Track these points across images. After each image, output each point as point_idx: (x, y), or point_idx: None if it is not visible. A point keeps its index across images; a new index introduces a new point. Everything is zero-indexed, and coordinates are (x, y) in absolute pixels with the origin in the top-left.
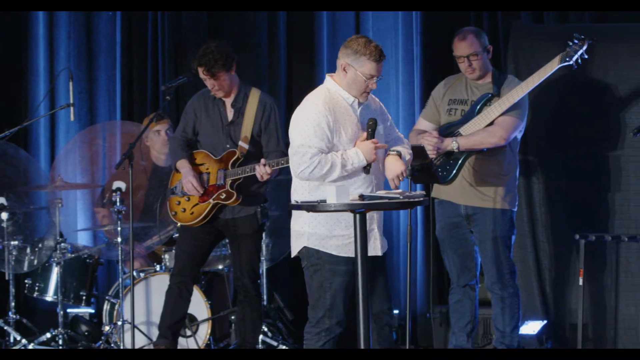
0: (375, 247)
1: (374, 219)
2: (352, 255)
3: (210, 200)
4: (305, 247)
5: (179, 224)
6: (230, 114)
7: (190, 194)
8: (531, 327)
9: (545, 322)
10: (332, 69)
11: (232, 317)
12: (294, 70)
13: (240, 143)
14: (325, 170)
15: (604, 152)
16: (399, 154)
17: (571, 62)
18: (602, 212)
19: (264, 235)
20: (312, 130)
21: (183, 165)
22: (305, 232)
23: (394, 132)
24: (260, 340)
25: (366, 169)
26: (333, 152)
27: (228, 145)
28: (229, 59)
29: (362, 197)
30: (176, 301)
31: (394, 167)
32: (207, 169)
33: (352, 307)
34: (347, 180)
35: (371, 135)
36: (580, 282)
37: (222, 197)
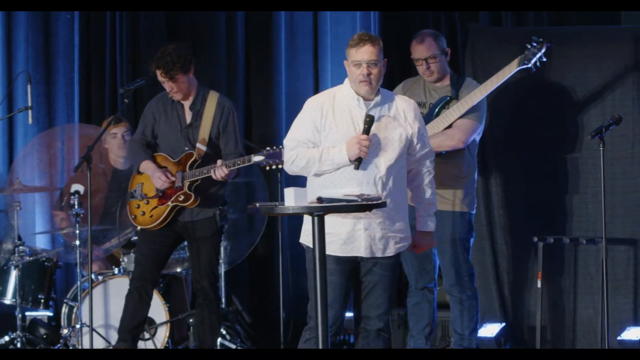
0: (358, 248)
1: (360, 220)
2: (338, 254)
3: (169, 203)
4: (301, 242)
5: (138, 228)
6: (188, 116)
7: (162, 188)
8: (490, 330)
9: (503, 324)
10: (291, 71)
11: (191, 320)
12: (252, 72)
13: (198, 145)
14: (302, 164)
15: (562, 155)
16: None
17: (529, 65)
18: (560, 214)
19: (222, 237)
20: (299, 124)
21: (148, 165)
22: (303, 228)
23: (418, 149)
24: (218, 343)
25: (355, 164)
26: (316, 147)
27: (186, 148)
28: (187, 61)
29: (320, 199)
30: (136, 305)
31: (424, 242)
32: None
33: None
34: (336, 178)
35: (365, 131)
36: (539, 285)
37: (181, 199)
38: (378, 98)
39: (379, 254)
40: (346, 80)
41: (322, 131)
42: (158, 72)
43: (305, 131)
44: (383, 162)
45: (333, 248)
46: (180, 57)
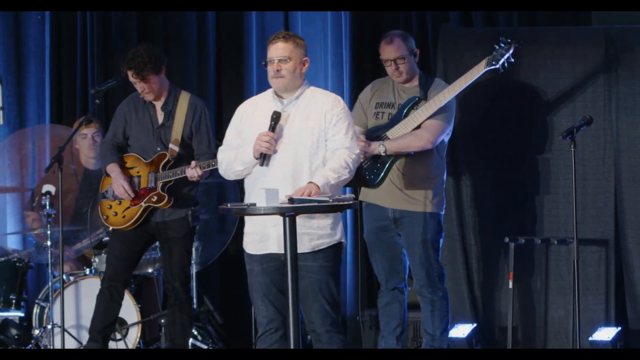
0: (270, 245)
1: (269, 218)
2: (255, 252)
3: (142, 204)
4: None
5: (110, 228)
6: (160, 117)
7: (121, 197)
8: (461, 330)
9: (474, 325)
10: (262, 71)
11: (162, 321)
12: (223, 72)
13: (171, 146)
14: (224, 166)
15: (533, 155)
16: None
17: (497, 66)
18: (531, 215)
19: (194, 238)
20: (228, 128)
21: (113, 169)
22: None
23: (334, 141)
24: (190, 344)
25: (259, 160)
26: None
27: (159, 149)
28: (159, 61)
29: (291, 200)
30: (107, 305)
31: (306, 188)
32: (138, 172)
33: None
34: (257, 176)
35: (271, 128)
36: (510, 285)
37: (154, 199)
38: (297, 94)
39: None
40: None
41: (242, 132)
42: (129, 73)
43: (229, 135)
44: (293, 157)
45: (251, 246)
46: (151, 57)
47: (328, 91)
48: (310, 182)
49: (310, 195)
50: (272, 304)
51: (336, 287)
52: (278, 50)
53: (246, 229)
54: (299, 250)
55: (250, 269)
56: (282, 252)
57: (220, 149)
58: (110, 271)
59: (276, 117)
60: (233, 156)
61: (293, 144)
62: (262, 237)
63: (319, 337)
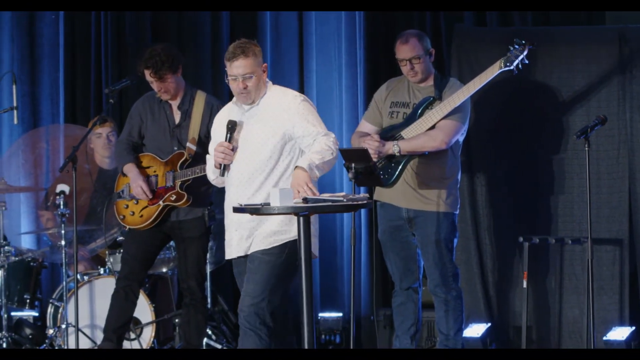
0: (232, 249)
1: (233, 221)
2: (227, 257)
3: (160, 203)
4: None
5: (127, 228)
6: (176, 116)
7: (139, 197)
8: (475, 330)
9: (489, 324)
10: (275, 71)
11: (176, 320)
12: None
13: (188, 145)
14: (208, 174)
15: (548, 155)
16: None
17: (512, 67)
18: (545, 214)
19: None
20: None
21: (130, 169)
22: None
23: (306, 137)
24: (204, 343)
25: (220, 171)
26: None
27: (175, 148)
28: (176, 61)
29: (305, 199)
30: (122, 304)
31: (296, 178)
32: (155, 171)
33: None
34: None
35: (227, 138)
36: (524, 285)
37: (172, 198)
38: (258, 100)
39: (244, 252)
40: None
41: (214, 140)
42: (147, 72)
43: (211, 143)
44: (250, 163)
45: (226, 252)
46: (169, 57)
47: (286, 89)
48: (296, 167)
49: (300, 184)
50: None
51: (272, 283)
52: (240, 68)
53: (224, 236)
54: (252, 250)
55: (235, 271)
56: (243, 254)
57: (207, 157)
58: (125, 270)
59: (231, 127)
60: (209, 164)
61: (250, 151)
62: (228, 242)
63: (239, 328)
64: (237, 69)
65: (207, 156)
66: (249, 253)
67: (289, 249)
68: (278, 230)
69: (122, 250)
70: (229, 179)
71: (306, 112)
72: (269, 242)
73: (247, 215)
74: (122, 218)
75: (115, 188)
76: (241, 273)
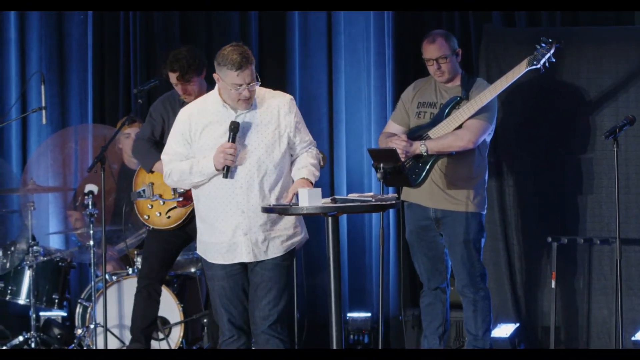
0: (240, 255)
1: (240, 225)
2: (222, 262)
3: (191, 204)
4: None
5: (151, 228)
6: None
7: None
8: (503, 330)
9: (517, 325)
10: (304, 71)
11: (205, 320)
12: (265, 73)
13: None
14: (176, 177)
15: (576, 155)
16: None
17: (538, 66)
18: (574, 214)
19: None
20: (171, 137)
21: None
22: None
23: (302, 143)
24: None
25: (223, 172)
26: (189, 159)
27: None
28: (201, 63)
29: (334, 200)
30: (146, 305)
31: (298, 184)
32: None
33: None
34: (217, 187)
35: (231, 139)
36: (553, 285)
37: None
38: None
39: (262, 257)
40: (217, 86)
41: (192, 143)
42: (172, 75)
43: (176, 145)
44: (256, 165)
45: (217, 257)
46: (194, 59)
47: (276, 91)
48: (303, 179)
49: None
50: (235, 308)
51: (287, 287)
52: (247, 77)
53: (205, 238)
54: (270, 256)
55: (212, 274)
56: (256, 260)
57: (165, 159)
58: (146, 269)
59: (235, 128)
60: (187, 168)
61: (255, 153)
62: (229, 246)
63: (256, 337)
64: (245, 78)
65: (188, 160)
66: (265, 259)
67: (295, 250)
68: (292, 234)
69: (143, 249)
70: (230, 182)
71: (301, 118)
72: (286, 247)
73: (259, 219)
74: (147, 218)
75: (134, 187)
76: (230, 274)
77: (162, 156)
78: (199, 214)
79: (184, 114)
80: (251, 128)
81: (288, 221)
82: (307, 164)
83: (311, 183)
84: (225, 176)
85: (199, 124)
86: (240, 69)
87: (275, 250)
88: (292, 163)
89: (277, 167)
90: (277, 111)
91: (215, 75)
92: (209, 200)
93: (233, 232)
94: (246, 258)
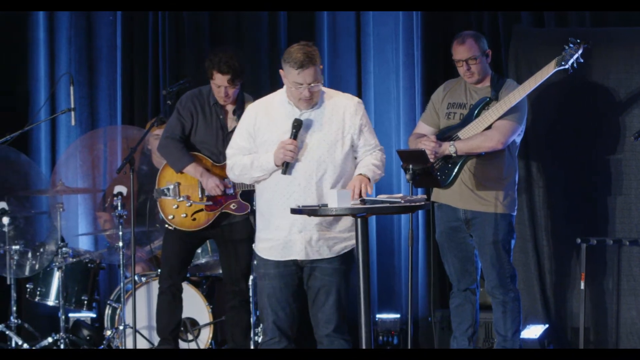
0: (294, 251)
1: (296, 223)
2: (277, 258)
3: (219, 210)
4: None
5: (173, 227)
6: (231, 121)
7: (214, 194)
8: (533, 331)
9: (547, 326)
10: (332, 72)
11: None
12: None
13: None
14: (238, 172)
15: (605, 156)
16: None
17: (567, 66)
18: (603, 216)
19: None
20: (238, 131)
21: (197, 168)
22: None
23: (367, 146)
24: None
25: (282, 169)
26: (252, 154)
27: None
28: (244, 68)
29: (363, 201)
30: (172, 305)
31: (356, 180)
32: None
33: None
34: (278, 183)
35: (293, 136)
36: (582, 286)
37: (233, 207)
38: (319, 103)
39: (315, 257)
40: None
41: (256, 137)
42: (221, 77)
43: (240, 139)
44: (316, 163)
45: (273, 253)
46: (240, 63)
47: (345, 93)
48: (360, 175)
49: (361, 187)
50: (282, 310)
51: (346, 290)
52: (309, 77)
53: (262, 235)
54: (324, 256)
55: (264, 272)
56: (308, 258)
57: (229, 152)
58: (167, 269)
59: (297, 125)
60: (249, 162)
61: (316, 152)
62: (285, 243)
63: (320, 340)
64: (306, 77)
65: (250, 154)
66: (318, 258)
67: (353, 254)
68: (347, 237)
69: (162, 249)
70: (284, 177)
71: (367, 120)
72: (339, 250)
73: (315, 218)
74: (171, 218)
75: (157, 184)
76: (282, 274)
77: (227, 150)
78: (260, 209)
79: (250, 109)
80: (314, 127)
81: (344, 224)
82: (368, 163)
83: (369, 180)
84: (284, 172)
85: (263, 119)
86: (301, 67)
87: (329, 251)
88: (356, 166)
89: (337, 167)
90: (342, 112)
91: (281, 72)
92: (269, 195)
93: (289, 228)
94: (299, 255)
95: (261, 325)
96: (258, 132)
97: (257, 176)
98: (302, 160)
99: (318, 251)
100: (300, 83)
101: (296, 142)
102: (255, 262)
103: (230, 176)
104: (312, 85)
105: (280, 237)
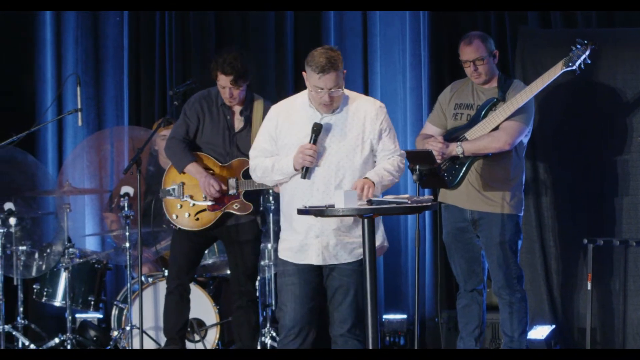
0: (310, 256)
1: (313, 227)
2: (294, 261)
3: (222, 210)
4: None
5: (178, 227)
6: (237, 122)
7: (207, 193)
8: (539, 332)
9: (553, 326)
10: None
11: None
12: (301, 72)
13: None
14: (260, 173)
15: (612, 156)
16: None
17: (574, 67)
18: (610, 216)
19: (272, 239)
20: (261, 133)
21: (197, 169)
22: (280, 239)
23: (385, 151)
24: (268, 344)
25: (302, 173)
26: (273, 157)
27: (235, 154)
28: (251, 70)
29: (370, 201)
30: (179, 307)
31: (358, 183)
32: (212, 174)
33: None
34: (297, 186)
35: (312, 140)
36: (589, 287)
37: (236, 207)
38: (340, 107)
39: (332, 262)
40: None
41: (277, 140)
42: (224, 78)
43: (263, 141)
44: (335, 169)
45: (290, 255)
46: (246, 64)
47: (368, 97)
48: (365, 177)
49: (363, 190)
50: (300, 306)
51: (363, 292)
52: (330, 81)
53: (283, 235)
54: (341, 261)
55: (283, 270)
56: (323, 264)
57: (252, 154)
58: (175, 269)
59: (317, 130)
60: (270, 165)
61: (336, 156)
62: (301, 247)
63: (335, 339)
64: (327, 82)
65: (272, 157)
66: (335, 263)
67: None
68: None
69: (170, 249)
70: (308, 183)
71: (388, 126)
72: (357, 255)
73: (332, 223)
74: (175, 217)
75: (163, 185)
76: (302, 270)
77: (250, 152)
78: (282, 210)
79: (273, 112)
80: (335, 131)
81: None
82: (379, 168)
83: (373, 184)
84: (304, 177)
85: (285, 122)
86: (322, 72)
87: (346, 256)
88: None
89: (356, 173)
90: (363, 116)
91: (304, 74)
92: (290, 198)
93: (306, 232)
94: (315, 260)
95: (268, 325)
96: (279, 135)
97: (278, 179)
98: (321, 165)
99: (335, 256)
100: (321, 87)
101: (315, 147)
102: (264, 262)
103: (253, 177)
104: (333, 90)
105: (297, 240)
